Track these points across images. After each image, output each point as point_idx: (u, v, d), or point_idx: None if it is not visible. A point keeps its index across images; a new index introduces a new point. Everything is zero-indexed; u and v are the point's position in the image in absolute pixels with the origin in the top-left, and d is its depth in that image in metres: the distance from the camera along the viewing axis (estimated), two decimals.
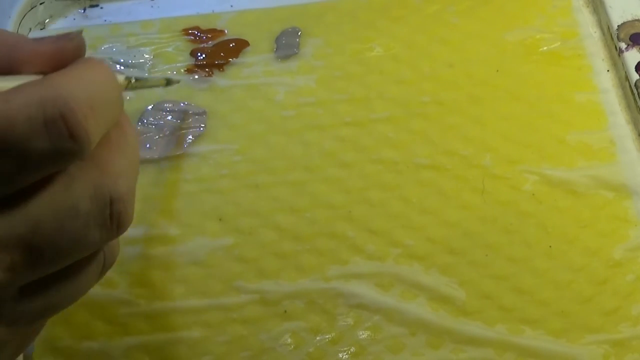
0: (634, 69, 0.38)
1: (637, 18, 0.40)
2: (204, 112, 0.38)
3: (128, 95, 0.39)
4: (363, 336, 0.33)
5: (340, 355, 0.33)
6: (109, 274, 0.34)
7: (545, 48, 0.40)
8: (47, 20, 0.42)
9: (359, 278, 0.34)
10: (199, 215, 0.36)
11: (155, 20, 0.42)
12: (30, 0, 0.41)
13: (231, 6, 0.42)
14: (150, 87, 0.37)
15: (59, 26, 0.42)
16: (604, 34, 0.41)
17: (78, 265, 0.24)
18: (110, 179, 0.23)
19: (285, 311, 0.34)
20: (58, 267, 0.23)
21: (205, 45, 0.41)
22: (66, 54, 0.23)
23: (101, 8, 0.43)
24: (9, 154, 0.20)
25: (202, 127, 0.38)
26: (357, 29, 0.41)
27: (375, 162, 0.37)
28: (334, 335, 0.33)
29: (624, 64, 0.39)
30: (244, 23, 0.41)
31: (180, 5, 0.42)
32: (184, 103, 0.39)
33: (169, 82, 0.37)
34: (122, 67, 0.40)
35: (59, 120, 0.20)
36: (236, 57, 0.40)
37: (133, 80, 0.30)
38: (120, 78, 0.27)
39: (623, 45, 0.39)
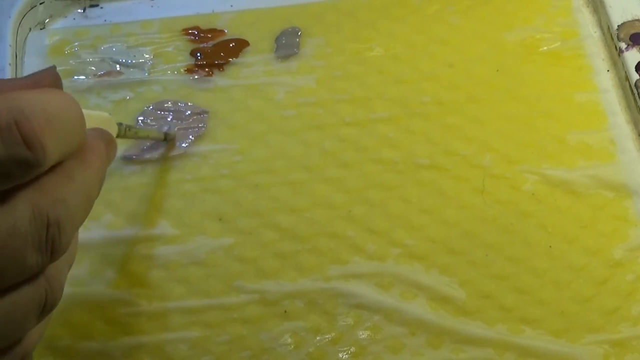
0: (634, 69, 0.38)
1: (637, 18, 0.40)
2: (204, 112, 0.38)
3: (128, 95, 0.39)
4: (363, 336, 0.33)
5: (340, 355, 0.33)
6: (110, 273, 0.34)
7: (545, 48, 0.40)
8: (47, 20, 0.42)
9: (359, 278, 0.34)
10: (199, 215, 0.36)
11: (155, 20, 0.42)
12: (30, 0, 0.41)
13: (231, 6, 0.42)
14: (146, 137, 0.36)
15: (59, 26, 0.42)
16: (604, 34, 0.41)
17: (14, 291, 0.23)
18: (50, 202, 0.22)
19: (285, 311, 0.34)
20: None
21: (205, 45, 0.41)
22: (44, 84, 0.23)
23: (101, 8, 0.43)
24: None
25: (202, 127, 0.38)
26: (357, 29, 0.41)
27: (375, 162, 0.37)
28: (334, 335, 0.33)
29: (624, 64, 0.39)
30: (244, 23, 0.41)
31: (180, 5, 0.42)
32: (184, 103, 0.39)
33: (166, 137, 0.37)
34: (122, 67, 0.40)
35: (13, 125, 0.20)
36: (236, 57, 0.40)
37: (125, 127, 0.30)
38: (114, 128, 0.28)
39: (623, 45, 0.39)
